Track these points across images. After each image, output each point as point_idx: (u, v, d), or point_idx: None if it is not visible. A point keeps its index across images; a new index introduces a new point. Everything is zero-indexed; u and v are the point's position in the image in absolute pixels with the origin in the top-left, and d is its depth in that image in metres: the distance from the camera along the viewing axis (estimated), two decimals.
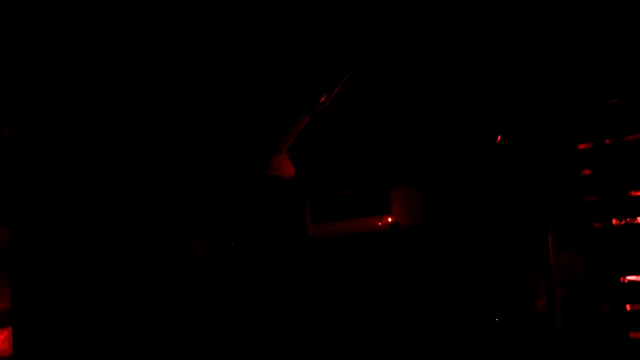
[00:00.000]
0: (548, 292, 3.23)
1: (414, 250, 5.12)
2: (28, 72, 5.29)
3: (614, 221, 3.62)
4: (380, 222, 5.09)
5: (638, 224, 3.70)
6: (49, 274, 5.24)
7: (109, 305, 5.32)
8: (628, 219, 3.69)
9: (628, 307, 3.99)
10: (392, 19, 5.84)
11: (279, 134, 4.52)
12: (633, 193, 3.74)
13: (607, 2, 3.92)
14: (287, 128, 4.47)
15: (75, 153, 5.38)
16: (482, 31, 5.25)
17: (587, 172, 3.68)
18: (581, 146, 3.67)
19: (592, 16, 3.81)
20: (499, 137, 3.41)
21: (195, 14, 5.59)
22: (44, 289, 5.25)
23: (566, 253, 4.08)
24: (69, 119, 5.43)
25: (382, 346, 4.96)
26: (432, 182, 5.37)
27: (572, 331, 3.94)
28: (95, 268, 5.35)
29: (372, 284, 5.15)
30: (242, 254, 4.68)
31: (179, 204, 4.98)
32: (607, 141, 3.72)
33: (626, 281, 3.86)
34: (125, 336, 5.22)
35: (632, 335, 3.88)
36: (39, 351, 5.10)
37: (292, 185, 4.74)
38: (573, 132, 3.66)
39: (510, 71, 3.86)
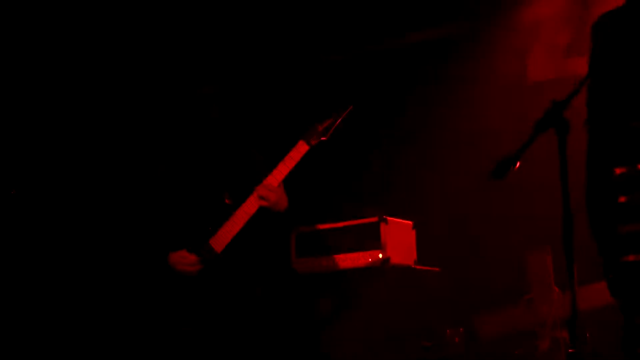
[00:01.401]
0: (578, 335, 2.91)
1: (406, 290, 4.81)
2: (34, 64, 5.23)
3: None
4: (370, 258, 4.76)
5: None
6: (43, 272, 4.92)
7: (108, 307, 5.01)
8: None
9: None
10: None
11: (275, 165, 4.33)
12: None
13: None
14: (284, 159, 4.30)
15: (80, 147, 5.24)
16: None
17: (622, 199, 3.38)
18: (617, 171, 3.37)
19: None
20: (518, 164, 3.14)
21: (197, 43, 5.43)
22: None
23: (594, 287, 3.82)
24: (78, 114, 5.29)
25: None
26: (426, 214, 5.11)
27: None
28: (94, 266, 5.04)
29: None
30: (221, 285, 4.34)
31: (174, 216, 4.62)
32: (639, 166, 3.43)
33: None
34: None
35: None
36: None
37: (280, 217, 4.43)
38: (609, 156, 3.38)
39: None
